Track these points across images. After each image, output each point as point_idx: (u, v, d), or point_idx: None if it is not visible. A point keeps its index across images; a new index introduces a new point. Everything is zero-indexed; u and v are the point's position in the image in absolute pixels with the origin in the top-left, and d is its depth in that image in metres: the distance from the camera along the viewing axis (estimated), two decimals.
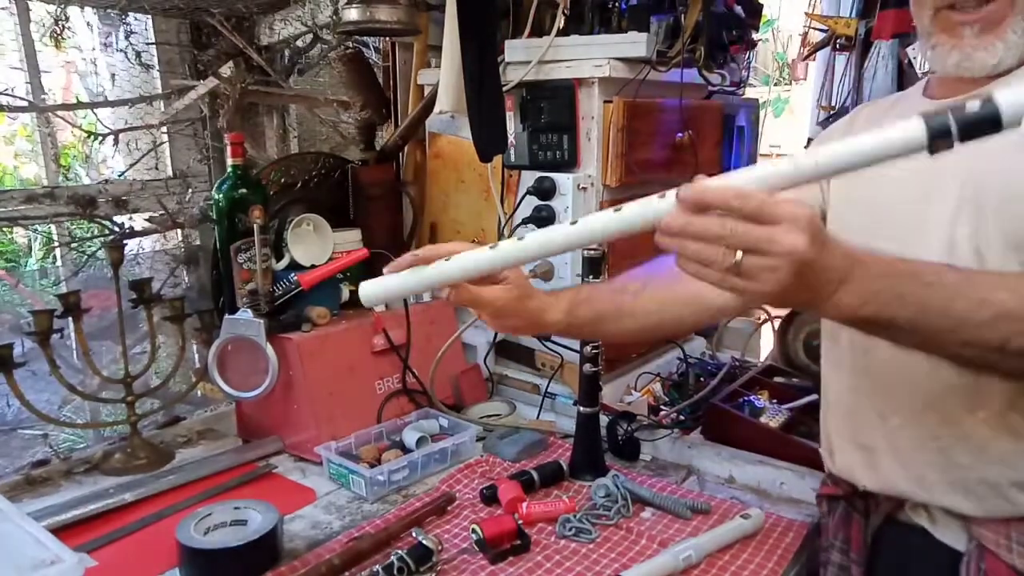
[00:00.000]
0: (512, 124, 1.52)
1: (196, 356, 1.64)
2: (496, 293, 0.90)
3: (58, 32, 1.51)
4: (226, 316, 1.37)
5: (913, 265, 0.72)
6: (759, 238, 0.63)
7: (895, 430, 0.90)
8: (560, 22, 1.46)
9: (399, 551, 1.02)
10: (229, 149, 1.37)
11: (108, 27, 1.73)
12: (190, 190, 1.75)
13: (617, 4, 1.46)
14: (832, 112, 2.81)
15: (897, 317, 0.69)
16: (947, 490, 0.86)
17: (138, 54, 1.69)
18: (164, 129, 1.74)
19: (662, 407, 1.55)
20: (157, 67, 1.72)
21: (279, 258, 1.48)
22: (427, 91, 1.67)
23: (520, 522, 1.13)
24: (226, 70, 1.67)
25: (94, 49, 1.76)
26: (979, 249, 0.81)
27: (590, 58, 1.42)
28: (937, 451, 0.86)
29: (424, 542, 1.04)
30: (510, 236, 1.58)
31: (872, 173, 0.79)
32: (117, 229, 1.57)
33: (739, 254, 0.64)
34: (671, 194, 0.67)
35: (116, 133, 1.65)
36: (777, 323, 1.72)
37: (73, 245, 1.57)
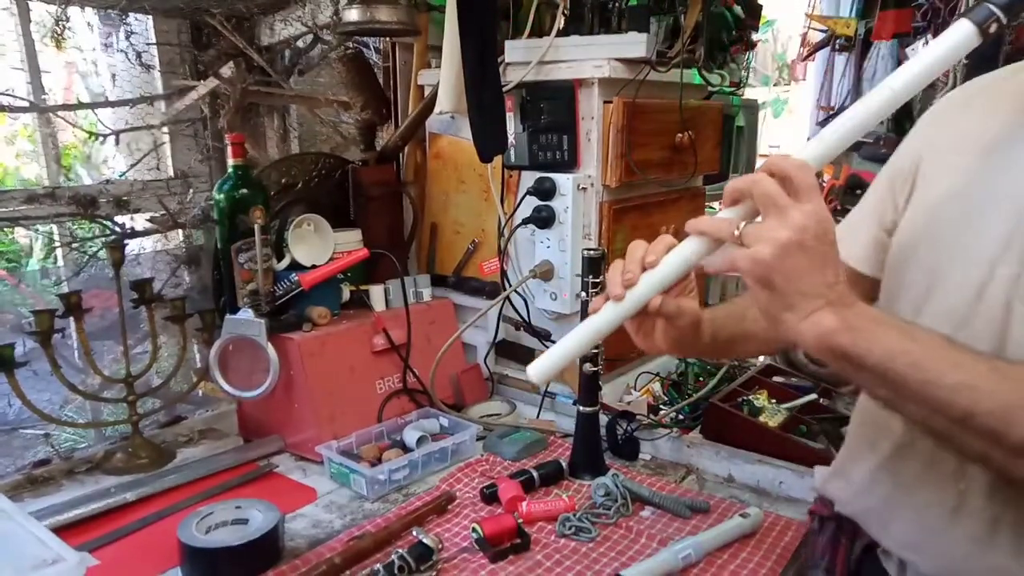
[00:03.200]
0: (512, 124, 1.53)
1: (197, 356, 1.64)
2: (694, 304, 0.84)
3: (59, 32, 1.51)
4: (227, 316, 1.37)
5: (907, 321, 0.71)
6: (778, 200, 0.66)
7: (881, 464, 0.86)
8: (560, 22, 1.46)
9: (400, 550, 1.02)
10: (230, 149, 1.38)
11: (108, 27, 1.73)
12: (191, 190, 1.75)
13: (617, 4, 1.47)
14: (832, 112, 2.82)
15: (868, 355, 0.67)
16: (912, 549, 0.82)
17: (138, 54, 1.70)
18: (165, 129, 1.74)
19: (662, 406, 1.56)
20: (158, 67, 1.73)
21: (280, 258, 1.48)
22: (427, 91, 1.67)
23: (520, 521, 1.13)
24: (226, 70, 1.67)
25: (94, 49, 1.76)
26: (1011, 303, 0.72)
27: (590, 58, 1.43)
28: (913, 507, 0.82)
29: (425, 541, 1.04)
30: (510, 236, 1.58)
31: (931, 178, 0.79)
32: (118, 229, 1.57)
33: (743, 224, 0.68)
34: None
35: (117, 133, 1.66)
36: None
37: (74, 245, 1.57)
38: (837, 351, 0.68)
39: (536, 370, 0.77)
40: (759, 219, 0.69)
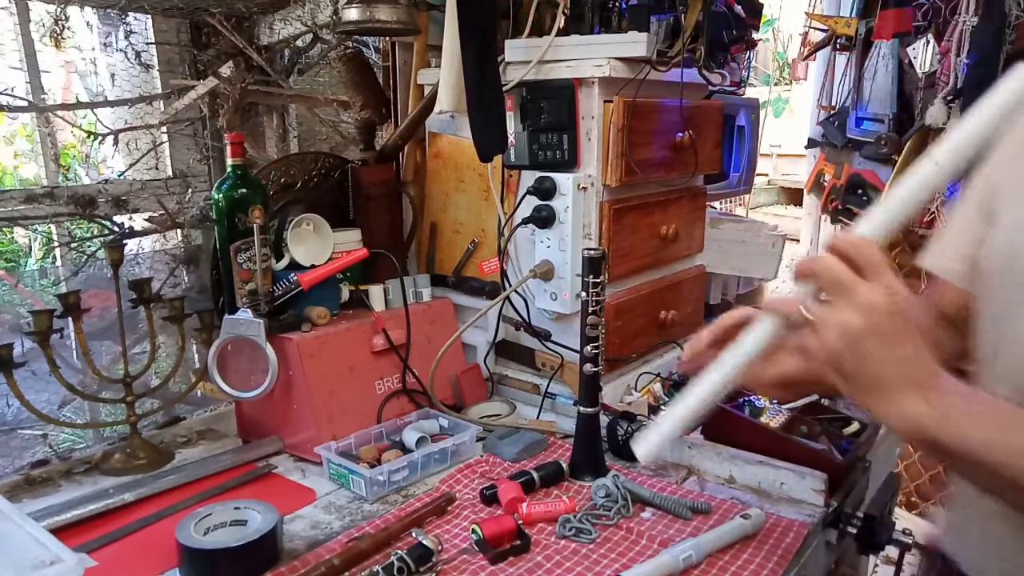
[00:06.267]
0: (512, 124, 1.52)
1: (196, 356, 1.64)
2: (792, 361, 0.82)
3: (58, 32, 1.51)
4: (226, 316, 1.37)
5: (998, 401, 0.69)
6: (844, 280, 0.63)
7: (989, 514, 0.83)
8: (560, 22, 1.46)
9: (399, 551, 1.02)
10: (229, 149, 1.37)
11: (108, 27, 1.73)
12: (190, 190, 1.75)
13: (617, 4, 1.46)
14: (832, 112, 2.81)
15: (961, 448, 0.64)
16: None
17: (138, 54, 1.70)
18: (164, 129, 1.74)
19: (662, 407, 1.55)
20: (157, 67, 1.73)
21: (279, 258, 1.48)
22: (427, 91, 1.67)
23: (520, 522, 1.13)
24: (226, 70, 1.67)
25: (94, 49, 1.76)
26: None
27: (590, 58, 1.42)
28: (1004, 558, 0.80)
29: (424, 542, 1.04)
30: (510, 236, 1.58)
31: (1010, 207, 0.77)
32: (117, 229, 1.57)
33: (811, 305, 0.67)
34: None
35: (116, 133, 1.66)
36: None
37: (73, 245, 1.57)
38: (930, 444, 0.65)
39: (645, 449, 0.80)
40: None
